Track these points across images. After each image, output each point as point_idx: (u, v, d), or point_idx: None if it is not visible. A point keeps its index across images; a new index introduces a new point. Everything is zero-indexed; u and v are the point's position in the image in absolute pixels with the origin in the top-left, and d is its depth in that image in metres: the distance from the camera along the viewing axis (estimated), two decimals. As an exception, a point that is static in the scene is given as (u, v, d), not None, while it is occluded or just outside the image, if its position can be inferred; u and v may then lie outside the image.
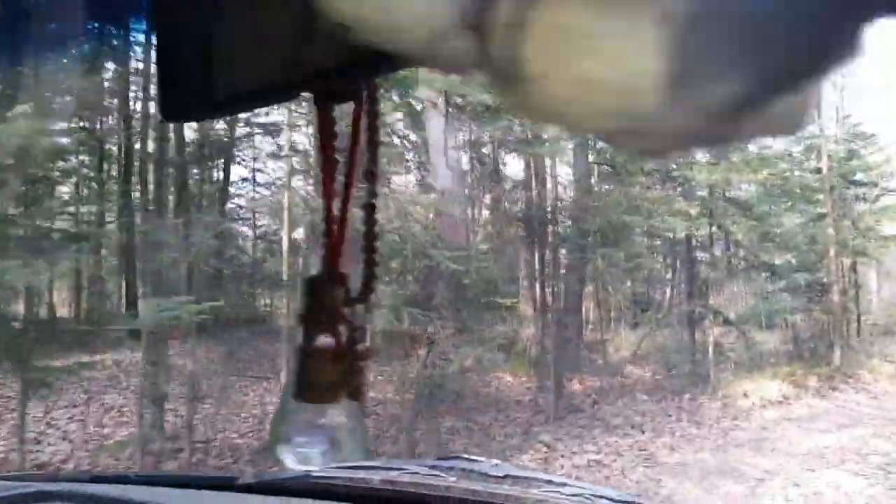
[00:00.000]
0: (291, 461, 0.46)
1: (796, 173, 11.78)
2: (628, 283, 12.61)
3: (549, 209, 9.26)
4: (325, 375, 0.44)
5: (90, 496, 1.10)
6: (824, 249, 11.35)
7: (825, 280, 11.30)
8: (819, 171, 11.53)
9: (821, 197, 11.48)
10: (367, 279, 0.45)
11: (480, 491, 1.19)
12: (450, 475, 1.24)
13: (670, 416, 7.63)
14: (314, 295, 0.45)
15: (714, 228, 10.45)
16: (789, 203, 11.82)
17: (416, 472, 1.29)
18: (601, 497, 1.22)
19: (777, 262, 11.68)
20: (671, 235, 10.62)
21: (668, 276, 12.60)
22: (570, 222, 9.40)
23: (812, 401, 8.54)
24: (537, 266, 8.98)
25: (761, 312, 11.32)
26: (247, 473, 1.25)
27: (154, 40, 0.43)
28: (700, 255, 10.85)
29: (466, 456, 1.45)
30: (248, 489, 1.19)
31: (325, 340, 0.44)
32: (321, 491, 1.19)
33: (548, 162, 9.49)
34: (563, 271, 9.33)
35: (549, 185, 9.76)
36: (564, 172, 10.71)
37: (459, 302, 7.45)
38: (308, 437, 0.45)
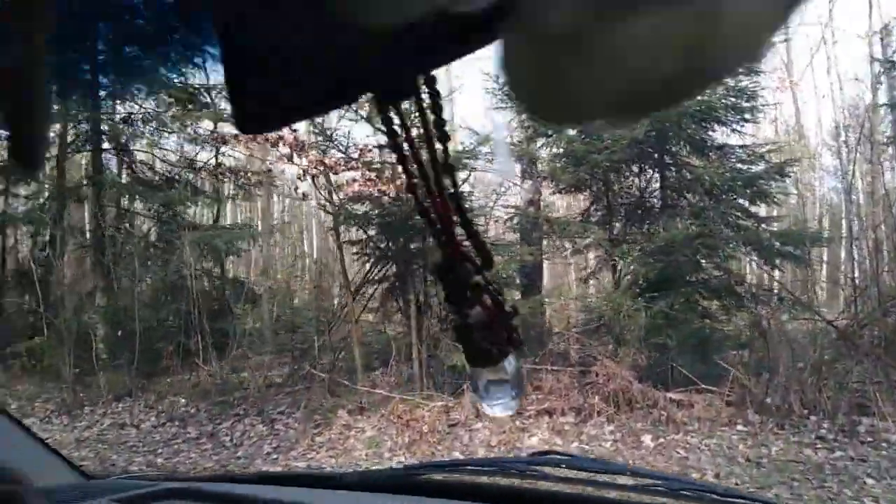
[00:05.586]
0: None
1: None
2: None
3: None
4: None
5: (212, 494, 1.19)
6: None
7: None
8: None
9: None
10: None
11: (575, 486, 1.22)
12: (544, 470, 1.27)
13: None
14: None
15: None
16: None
17: (512, 469, 1.33)
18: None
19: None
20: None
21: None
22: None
23: None
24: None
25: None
26: (351, 472, 1.33)
27: (220, 57, 0.43)
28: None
29: (560, 451, 1.47)
30: (353, 486, 1.26)
31: None
32: (416, 487, 1.24)
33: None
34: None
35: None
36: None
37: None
38: None
